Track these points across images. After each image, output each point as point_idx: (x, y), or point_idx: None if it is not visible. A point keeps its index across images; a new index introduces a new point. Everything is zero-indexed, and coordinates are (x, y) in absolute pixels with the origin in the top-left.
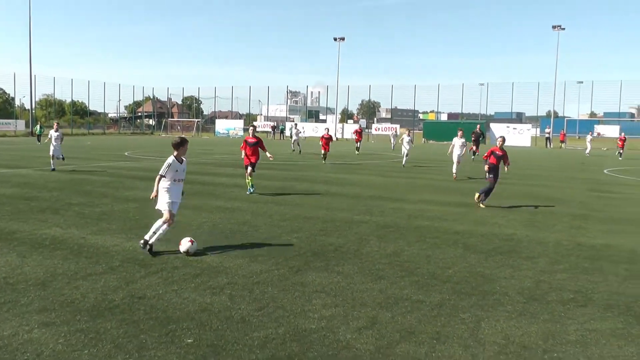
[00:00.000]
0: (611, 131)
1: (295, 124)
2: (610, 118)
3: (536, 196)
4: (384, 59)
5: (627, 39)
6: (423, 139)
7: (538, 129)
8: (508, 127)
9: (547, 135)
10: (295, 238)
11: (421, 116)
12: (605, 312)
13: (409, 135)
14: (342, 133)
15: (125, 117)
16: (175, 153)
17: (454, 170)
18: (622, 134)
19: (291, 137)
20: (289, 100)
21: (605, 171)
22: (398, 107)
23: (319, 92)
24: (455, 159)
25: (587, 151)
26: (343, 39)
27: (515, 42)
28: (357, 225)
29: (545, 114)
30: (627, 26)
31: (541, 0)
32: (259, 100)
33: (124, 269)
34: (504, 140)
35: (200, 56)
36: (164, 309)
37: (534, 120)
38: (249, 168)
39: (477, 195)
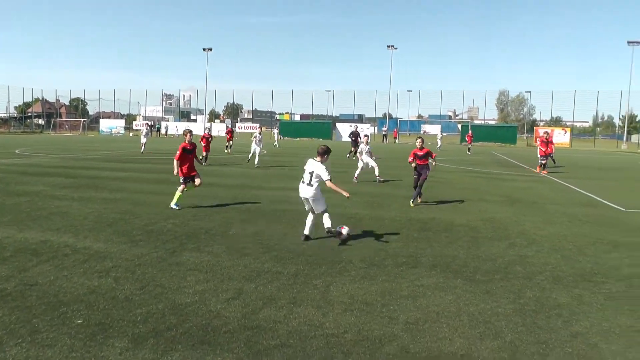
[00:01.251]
0: (434, 129)
1: (261, 128)
2: (433, 119)
3: (371, 182)
4: (246, 67)
5: (445, 55)
6: (280, 136)
7: (376, 128)
8: (351, 126)
9: (384, 132)
10: (171, 224)
11: (278, 117)
12: (430, 271)
13: (260, 133)
14: (211, 131)
15: (16, 117)
16: (319, 159)
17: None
18: (470, 131)
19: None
20: (164, 102)
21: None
22: (258, 109)
23: (190, 95)
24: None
25: (438, 147)
26: (211, 49)
27: (357, 57)
28: (224, 211)
29: (381, 116)
30: (445, 45)
31: (378, 25)
32: (138, 102)
33: (16, 259)
34: (422, 141)
35: (86, 61)
36: (55, 293)
37: (372, 120)
38: (197, 179)
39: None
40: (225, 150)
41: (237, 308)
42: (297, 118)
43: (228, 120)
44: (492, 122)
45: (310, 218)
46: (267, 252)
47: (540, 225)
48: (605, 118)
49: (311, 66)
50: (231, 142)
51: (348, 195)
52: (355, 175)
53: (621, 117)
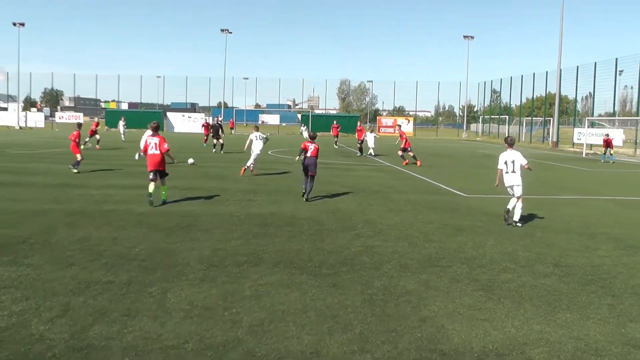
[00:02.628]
0: (273, 119)
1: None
2: (272, 109)
3: (211, 176)
4: (65, 48)
5: (284, 43)
6: (106, 127)
7: (211, 118)
8: (184, 115)
9: (218, 123)
10: None
11: (103, 105)
12: (273, 268)
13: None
14: (26, 122)
15: None
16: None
17: (249, 164)
18: (335, 121)
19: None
20: None
21: (270, 152)
22: (81, 96)
23: (0, 78)
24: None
25: (305, 136)
26: (23, 24)
27: (190, 40)
28: (44, 215)
29: (216, 105)
30: (283, 32)
31: (211, 6)
32: None
33: None
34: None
35: None
36: None
37: (206, 110)
38: (154, 174)
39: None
40: (214, 150)
41: (64, 327)
42: (124, 107)
43: (46, 109)
44: (334, 112)
45: (512, 202)
46: (96, 259)
47: (386, 215)
48: (447, 108)
49: (139, 49)
50: (210, 137)
51: None
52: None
53: (461, 107)
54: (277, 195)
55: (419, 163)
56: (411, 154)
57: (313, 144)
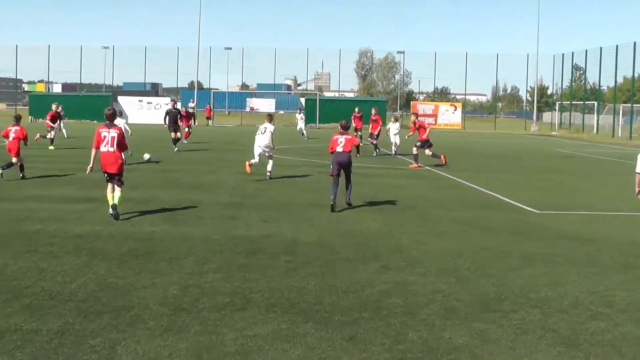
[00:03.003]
0: (266, 105)
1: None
2: (265, 90)
3: (177, 184)
4: None
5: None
6: (30, 118)
7: (180, 103)
8: (141, 101)
9: (191, 110)
10: None
11: (27, 87)
12: (267, 313)
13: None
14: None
15: None
16: None
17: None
18: (374, 111)
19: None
20: None
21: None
22: None
23: None
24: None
25: (304, 136)
26: None
27: (152, 2)
28: None
29: (187, 85)
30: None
31: None
32: None
33: None
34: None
35: None
36: None
37: (174, 92)
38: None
39: None
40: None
41: None
42: (57, 89)
43: (168, 100)
44: (351, 95)
45: None
46: (15, 299)
47: (423, 238)
48: (509, 90)
49: (77, 10)
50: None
51: None
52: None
53: (529, 89)
54: (271, 211)
55: (416, 165)
56: (415, 150)
57: (344, 136)
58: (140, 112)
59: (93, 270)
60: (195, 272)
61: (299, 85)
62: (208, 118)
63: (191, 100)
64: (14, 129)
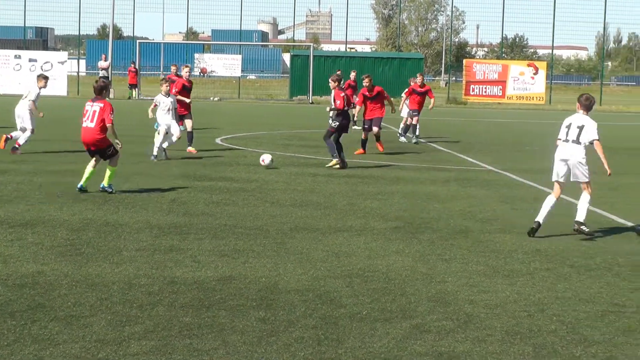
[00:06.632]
0: (228, 65)
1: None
2: (225, 41)
3: (79, 195)
4: None
5: None
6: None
7: (76, 62)
8: (19, 56)
9: (101, 73)
10: None
11: None
12: None
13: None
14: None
15: None
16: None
17: None
18: (420, 78)
19: None
20: None
21: (218, 139)
22: None
23: None
24: None
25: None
26: None
27: None
28: None
29: (96, 33)
30: None
31: None
32: None
33: None
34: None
35: None
36: None
37: (73, 42)
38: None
39: None
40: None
41: None
42: None
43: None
44: (367, 49)
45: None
46: None
47: (483, 282)
48: (624, 41)
49: None
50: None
51: None
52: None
53: None
54: (235, 238)
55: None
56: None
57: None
58: (18, 74)
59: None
60: (108, 339)
61: (281, 32)
62: (132, 86)
63: (102, 57)
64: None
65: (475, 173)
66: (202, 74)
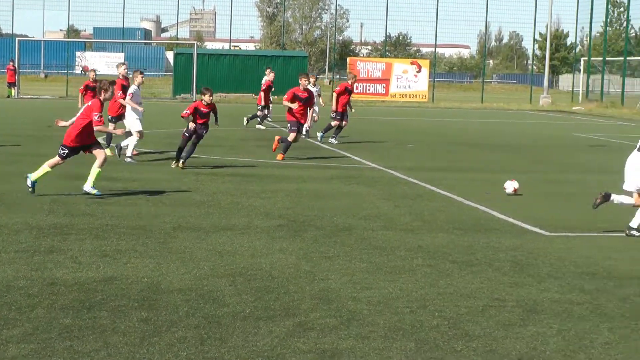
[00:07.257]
0: (110, 63)
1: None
2: (106, 39)
3: None
4: None
5: None
6: None
7: None
8: None
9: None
10: None
11: None
12: None
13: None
14: None
15: None
16: None
17: None
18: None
19: None
20: None
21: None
22: None
23: None
24: None
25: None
26: None
27: None
28: None
29: None
30: None
31: None
32: None
33: None
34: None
35: None
36: None
37: None
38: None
39: None
40: None
41: None
42: None
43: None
44: (253, 47)
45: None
46: None
47: (366, 279)
48: (504, 40)
49: None
50: None
51: None
52: None
53: (538, 38)
54: (116, 238)
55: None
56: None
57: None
58: None
59: None
60: None
61: (165, 30)
62: (10, 84)
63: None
64: None
65: (359, 170)
66: (84, 72)
